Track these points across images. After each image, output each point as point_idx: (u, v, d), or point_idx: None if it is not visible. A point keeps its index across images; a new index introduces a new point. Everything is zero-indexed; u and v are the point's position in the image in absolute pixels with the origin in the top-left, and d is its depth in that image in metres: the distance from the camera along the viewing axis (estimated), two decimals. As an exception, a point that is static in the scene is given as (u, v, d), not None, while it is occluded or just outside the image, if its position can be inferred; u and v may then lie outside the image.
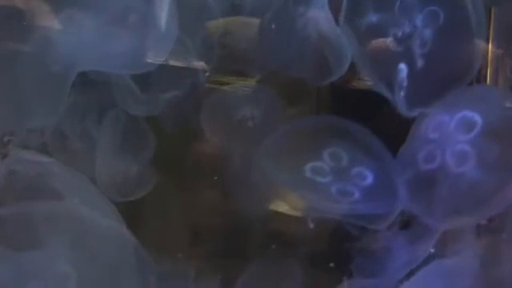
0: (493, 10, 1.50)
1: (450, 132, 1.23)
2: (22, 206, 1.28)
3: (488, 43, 1.49)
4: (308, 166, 1.39)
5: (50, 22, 1.39)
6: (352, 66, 1.65)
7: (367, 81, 1.71)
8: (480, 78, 1.50)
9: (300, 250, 1.73)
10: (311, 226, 1.56)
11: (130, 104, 1.63)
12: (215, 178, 1.81)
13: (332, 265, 1.61)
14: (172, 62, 1.67)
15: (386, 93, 1.31)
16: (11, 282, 1.16)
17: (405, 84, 1.27)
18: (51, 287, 1.18)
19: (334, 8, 1.41)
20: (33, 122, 1.43)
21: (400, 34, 1.29)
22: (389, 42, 1.28)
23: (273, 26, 1.50)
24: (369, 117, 1.47)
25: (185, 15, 1.45)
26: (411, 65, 1.28)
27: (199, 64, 1.71)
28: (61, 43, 1.31)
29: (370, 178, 1.37)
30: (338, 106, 1.75)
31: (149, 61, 1.61)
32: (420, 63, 1.28)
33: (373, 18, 1.31)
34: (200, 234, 1.89)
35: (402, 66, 1.28)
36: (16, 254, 1.19)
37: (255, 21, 1.65)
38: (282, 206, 1.89)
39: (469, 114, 1.21)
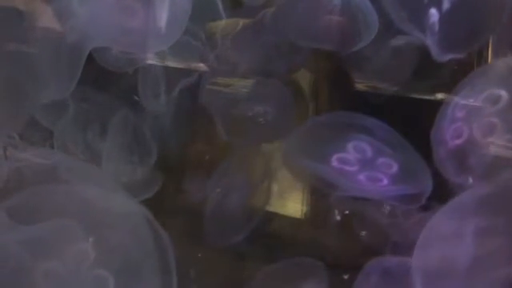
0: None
1: (477, 107, 1.29)
2: (34, 192, 1.23)
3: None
4: (334, 156, 1.43)
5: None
6: (352, 67, 1.71)
7: (365, 83, 1.77)
8: (481, 62, 1.59)
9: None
10: (338, 218, 1.58)
11: (148, 99, 1.62)
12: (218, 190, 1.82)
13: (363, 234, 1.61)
14: (172, 64, 1.67)
15: (418, 37, 1.34)
16: (28, 259, 1.12)
17: (436, 29, 1.31)
18: (69, 266, 1.14)
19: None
20: (46, 95, 1.41)
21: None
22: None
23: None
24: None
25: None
26: (442, 10, 1.32)
27: (199, 65, 1.71)
28: (78, 15, 1.30)
29: (395, 167, 1.41)
30: (339, 106, 1.80)
31: (150, 62, 1.62)
32: (451, 9, 1.31)
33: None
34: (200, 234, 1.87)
35: (433, 11, 1.31)
36: (33, 233, 1.15)
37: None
38: (282, 208, 1.92)
39: (495, 91, 1.27)
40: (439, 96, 1.68)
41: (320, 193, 1.88)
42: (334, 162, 1.42)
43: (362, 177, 1.41)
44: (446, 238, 1.17)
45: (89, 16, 1.31)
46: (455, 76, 1.63)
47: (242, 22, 1.69)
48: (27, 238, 1.14)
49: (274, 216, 1.92)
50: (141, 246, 1.21)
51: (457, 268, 1.12)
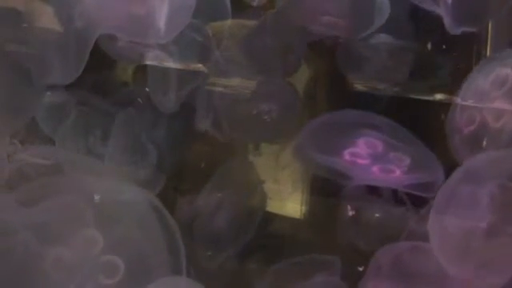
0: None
1: (486, 92, 1.33)
2: (40, 184, 1.24)
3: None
4: (346, 151, 1.45)
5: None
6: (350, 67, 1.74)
7: (364, 83, 1.80)
8: (480, 58, 1.64)
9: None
10: (350, 213, 1.60)
11: (158, 97, 1.62)
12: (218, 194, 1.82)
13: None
14: (175, 65, 1.67)
15: (433, 9, 1.36)
16: (36, 245, 1.11)
17: (449, 1, 1.33)
18: (78, 251, 1.13)
19: None
20: (52, 80, 1.41)
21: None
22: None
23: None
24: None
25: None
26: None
27: (198, 66, 1.72)
28: (85, 1, 1.30)
29: (407, 160, 1.44)
30: (338, 107, 1.82)
31: (149, 63, 1.62)
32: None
33: None
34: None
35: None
36: (41, 217, 1.14)
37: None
38: (281, 209, 1.93)
39: (501, 71, 1.31)
40: (438, 96, 1.71)
41: (320, 193, 1.91)
42: (346, 156, 1.44)
43: (375, 168, 1.43)
44: (461, 201, 1.19)
45: (96, 2, 1.31)
46: (454, 76, 1.68)
47: (246, 23, 1.71)
48: (36, 223, 1.13)
49: (273, 217, 1.92)
50: (149, 233, 1.21)
51: (474, 231, 1.15)
